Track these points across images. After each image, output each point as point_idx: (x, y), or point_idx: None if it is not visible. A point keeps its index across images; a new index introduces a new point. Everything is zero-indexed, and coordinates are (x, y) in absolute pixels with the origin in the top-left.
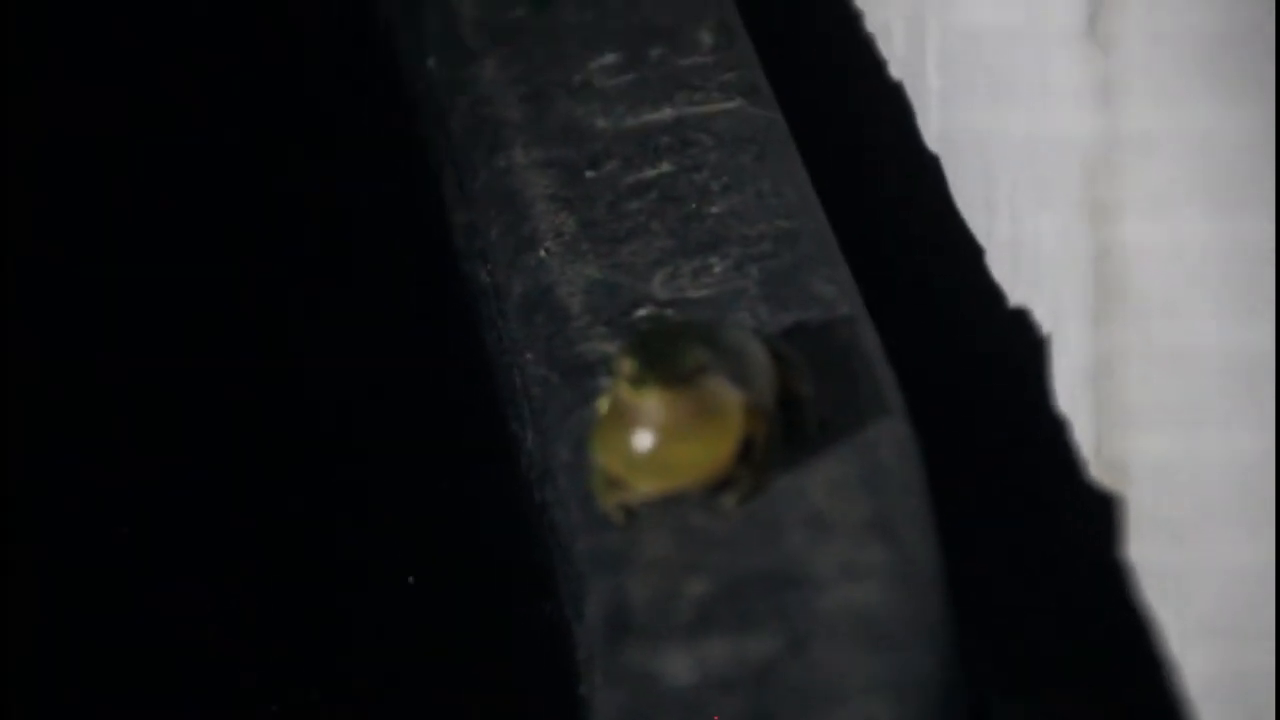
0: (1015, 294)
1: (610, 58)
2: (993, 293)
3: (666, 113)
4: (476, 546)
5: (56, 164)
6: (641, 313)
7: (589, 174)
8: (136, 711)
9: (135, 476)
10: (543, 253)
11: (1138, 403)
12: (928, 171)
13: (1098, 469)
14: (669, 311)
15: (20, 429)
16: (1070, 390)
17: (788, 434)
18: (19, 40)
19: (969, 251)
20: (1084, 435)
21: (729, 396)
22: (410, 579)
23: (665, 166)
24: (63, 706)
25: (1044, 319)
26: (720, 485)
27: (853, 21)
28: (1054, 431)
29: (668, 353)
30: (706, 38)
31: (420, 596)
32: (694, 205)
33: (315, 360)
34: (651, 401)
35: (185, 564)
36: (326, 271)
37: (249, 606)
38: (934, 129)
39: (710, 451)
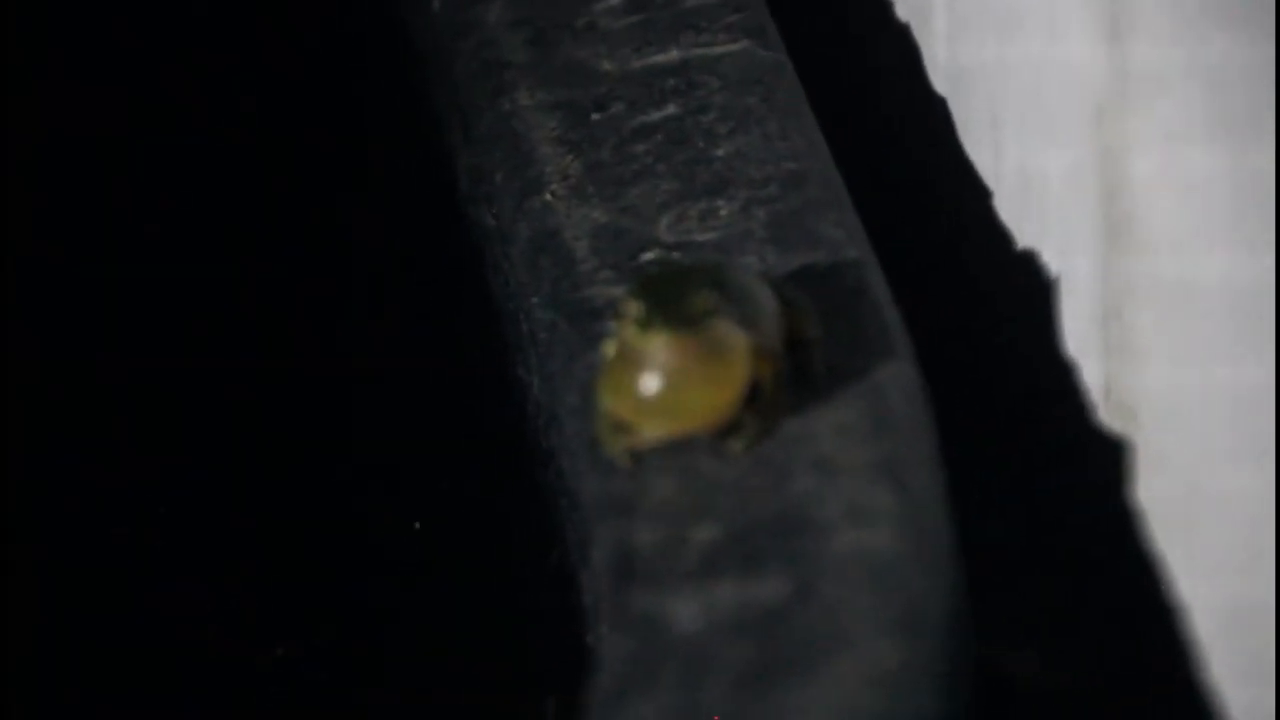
0: (1024, 234)
1: None
2: (1001, 233)
3: (672, 54)
4: (482, 494)
5: (56, 164)
6: (648, 256)
7: (594, 116)
8: (137, 711)
9: (135, 476)
10: (548, 196)
11: (1147, 343)
12: (935, 111)
13: (1107, 410)
14: (676, 255)
15: (20, 429)
16: (1079, 330)
17: (795, 377)
18: (19, 40)
19: (977, 191)
20: (1093, 376)
21: (736, 339)
22: (416, 525)
23: (671, 109)
24: (63, 706)
25: (1052, 259)
26: (728, 429)
27: None
28: (1063, 372)
29: (674, 295)
30: None
31: (425, 544)
32: (700, 148)
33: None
34: (658, 344)
35: (185, 564)
36: (333, 230)
37: (249, 606)
38: (941, 68)
39: (717, 394)
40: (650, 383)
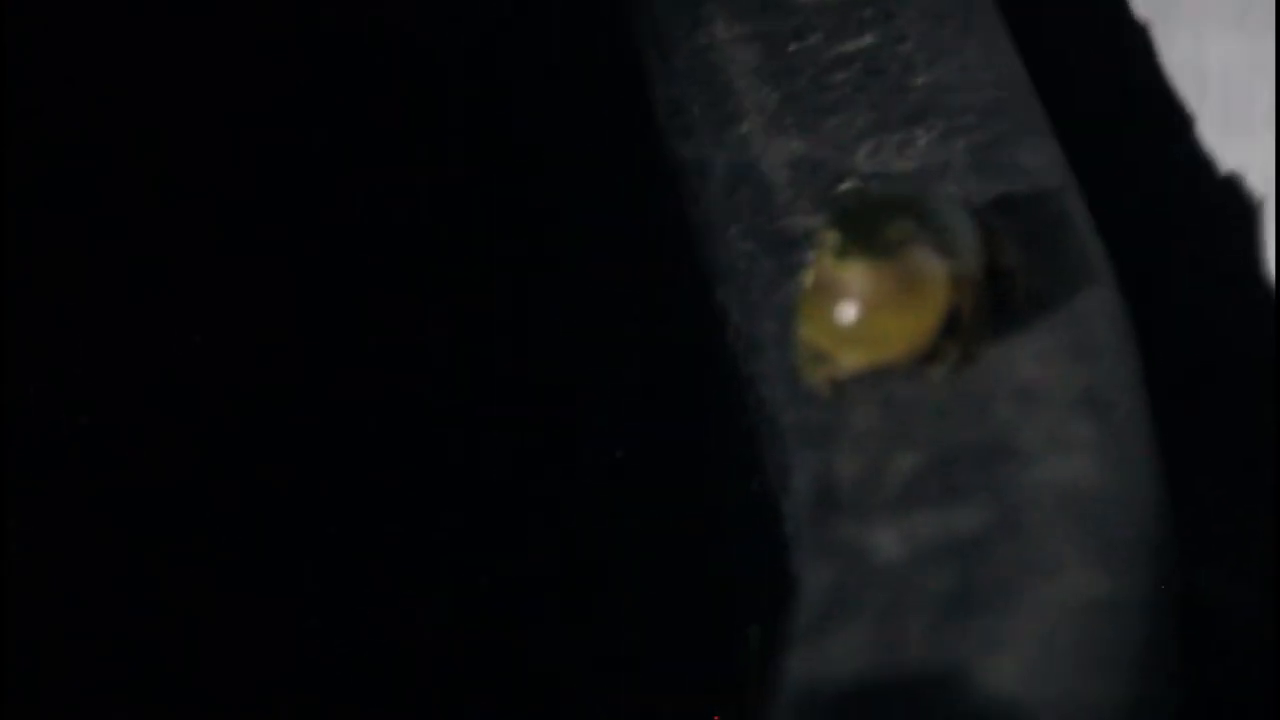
0: (1227, 161)
1: None
2: (1204, 159)
3: None
4: (684, 423)
5: (60, 164)
6: (845, 186)
7: (792, 47)
8: (143, 710)
9: (139, 475)
10: (746, 127)
11: None
12: (1137, 39)
13: None
14: (873, 184)
15: (23, 429)
16: None
17: (996, 306)
18: (19, 40)
19: (1181, 118)
20: None
21: (934, 267)
22: (618, 453)
23: (869, 39)
24: (63, 706)
25: (1256, 186)
26: (927, 357)
27: None
28: (1265, 297)
29: (871, 224)
30: None
31: (628, 473)
32: (898, 77)
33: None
34: (855, 273)
35: (384, 491)
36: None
37: (461, 524)
38: None
39: (915, 322)
40: (847, 311)
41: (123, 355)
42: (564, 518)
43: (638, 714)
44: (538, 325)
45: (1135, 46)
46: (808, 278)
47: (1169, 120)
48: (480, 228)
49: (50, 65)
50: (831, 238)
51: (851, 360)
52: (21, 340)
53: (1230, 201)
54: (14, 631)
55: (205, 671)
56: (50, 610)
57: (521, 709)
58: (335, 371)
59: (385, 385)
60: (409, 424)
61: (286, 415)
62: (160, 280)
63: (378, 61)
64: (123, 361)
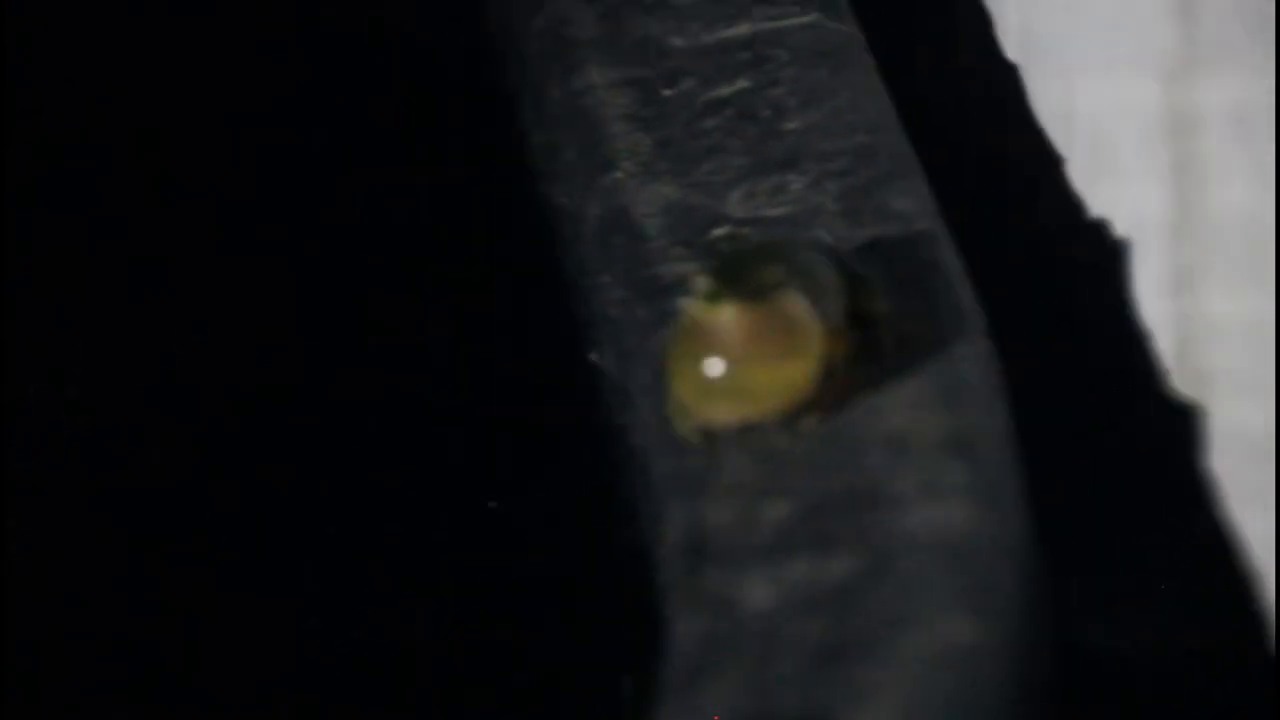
0: (1096, 205)
1: None
2: (1073, 202)
3: (743, 28)
4: (555, 473)
5: (60, 164)
6: (719, 232)
7: (665, 92)
8: (143, 710)
9: (139, 475)
10: (619, 173)
11: (1219, 314)
12: (1007, 81)
13: (1180, 380)
14: (746, 230)
15: (23, 429)
16: (1152, 301)
17: (865, 353)
18: (19, 40)
19: (1048, 160)
20: (1166, 346)
21: (805, 315)
22: (491, 504)
23: (742, 83)
24: (63, 706)
25: (1125, 229)
26: (799, 406)
27: None
28: (1135, 342)
29: (743, 270)
30: None
31: (499, 523)
32: (771, 122)
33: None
34: (726, 318)
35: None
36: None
37: (326, 594)
38: (1014, 38)
39: (788, 375)
40: (717, 365)
41: (123, 355)
42: (564, 518)
43: (638, 714)
44: (538, 325)
45: (1005, 90)
46: (680, 326)
47: (1038, 164)
48: (480, 228)
49: (50, 65)
50: (703, 284)
51: (722, 415)
52: (21, 340)
53: (1099, 245)
54: (14, 631)
55: (205, 671)
56: (50, 610)
57: (521, 709)
58: (335, 371)
59: (385, 385)
60: (409, 424)
61: (286, 415)
62: (160, 280)
63: (378, 61)
64: (123, 361)
